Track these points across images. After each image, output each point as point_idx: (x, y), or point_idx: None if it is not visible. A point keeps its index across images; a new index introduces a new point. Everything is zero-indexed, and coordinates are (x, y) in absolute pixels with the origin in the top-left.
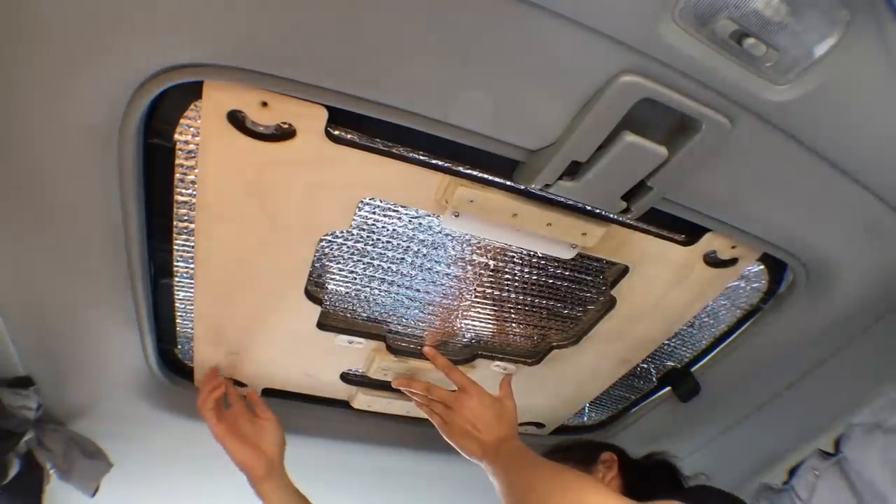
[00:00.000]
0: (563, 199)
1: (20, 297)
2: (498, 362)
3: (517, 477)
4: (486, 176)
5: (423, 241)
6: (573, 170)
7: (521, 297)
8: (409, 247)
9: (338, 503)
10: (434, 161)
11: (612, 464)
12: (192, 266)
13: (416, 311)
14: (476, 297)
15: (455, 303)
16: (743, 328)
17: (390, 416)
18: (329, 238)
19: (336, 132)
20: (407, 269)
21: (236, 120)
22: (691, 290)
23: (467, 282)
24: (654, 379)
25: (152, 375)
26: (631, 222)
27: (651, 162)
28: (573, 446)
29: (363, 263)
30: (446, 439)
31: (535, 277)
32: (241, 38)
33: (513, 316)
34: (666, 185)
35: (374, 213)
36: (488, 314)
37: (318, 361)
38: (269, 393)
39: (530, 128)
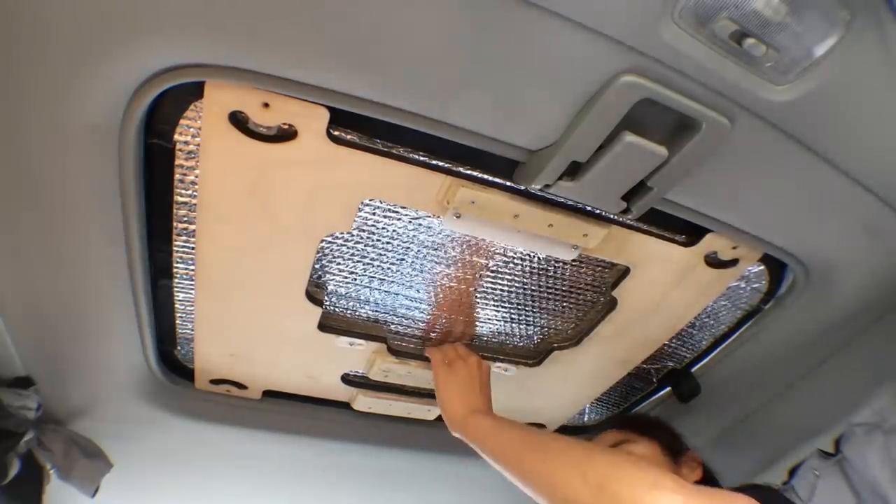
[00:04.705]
0: (564, 200)
1: (20, 297)
2: (499, 363)
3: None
4: (486, 177)
5: (424, 242)
6: (573, 170)
7: (521, 298)
8: (409, 248)
9: None
10: (435, 162)
11: (697, 468)
12: (192, 267)
13: (417, 312)
14: (477, 298)
15: (456, 304)
16: (743, 328)
17: (391, 417)
18: (330, 239)
19: (337, 133)
20: (408, 270)
21: (238, 121)
22: (692, 291)
23: (468, 283)
24: (655, 379)
25: (152, 376)
26: (632, 223)
27: (651, 162)
28: (655, 424)
29: (364, 264)
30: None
31: (535, 278)
32: (242, 39)
33: (513, 317)
34: (666, 185)
35: (374, 213)
36: (489, 315)
37: (319, 363)
38: (269, 395)
39: (530, 128)
